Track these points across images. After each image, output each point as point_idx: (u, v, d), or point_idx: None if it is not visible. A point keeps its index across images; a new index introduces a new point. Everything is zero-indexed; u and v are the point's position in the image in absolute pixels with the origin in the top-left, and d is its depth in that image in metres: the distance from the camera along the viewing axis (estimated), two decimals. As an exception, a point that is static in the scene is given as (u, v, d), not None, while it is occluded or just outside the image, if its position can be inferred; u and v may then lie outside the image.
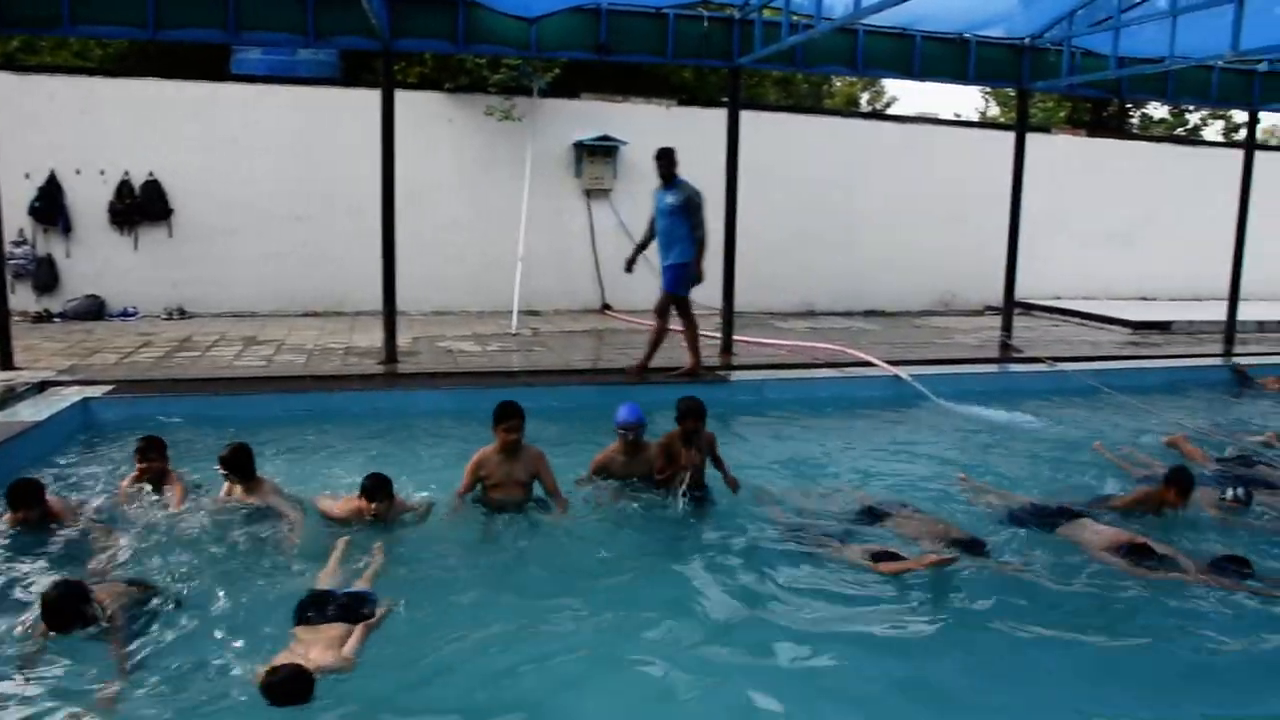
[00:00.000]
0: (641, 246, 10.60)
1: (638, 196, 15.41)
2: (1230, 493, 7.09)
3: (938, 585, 5.69)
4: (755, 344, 12.61)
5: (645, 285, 15.18)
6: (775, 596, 5.56)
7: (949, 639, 5.16)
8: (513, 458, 6.53)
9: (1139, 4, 11.31)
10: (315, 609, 4.82)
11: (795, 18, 10.52)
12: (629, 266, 10.82)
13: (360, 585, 5.26)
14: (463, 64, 14.78)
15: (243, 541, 5.91)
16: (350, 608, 4.86)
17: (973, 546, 6.09)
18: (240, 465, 6.29)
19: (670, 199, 10.14)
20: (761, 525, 6.59)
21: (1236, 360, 13.16)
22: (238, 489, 6.29)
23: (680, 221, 10.09)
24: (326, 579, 5.37)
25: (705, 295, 14.44)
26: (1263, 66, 13.88)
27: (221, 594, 5.17)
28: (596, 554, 6.05)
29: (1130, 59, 12.16)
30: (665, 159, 10.22)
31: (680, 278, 10.28)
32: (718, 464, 7.08)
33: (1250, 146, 14.60)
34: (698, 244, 10.13)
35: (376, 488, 6.08)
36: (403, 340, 11.48)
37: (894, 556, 5.81)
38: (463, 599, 5.37)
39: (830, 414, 10.24)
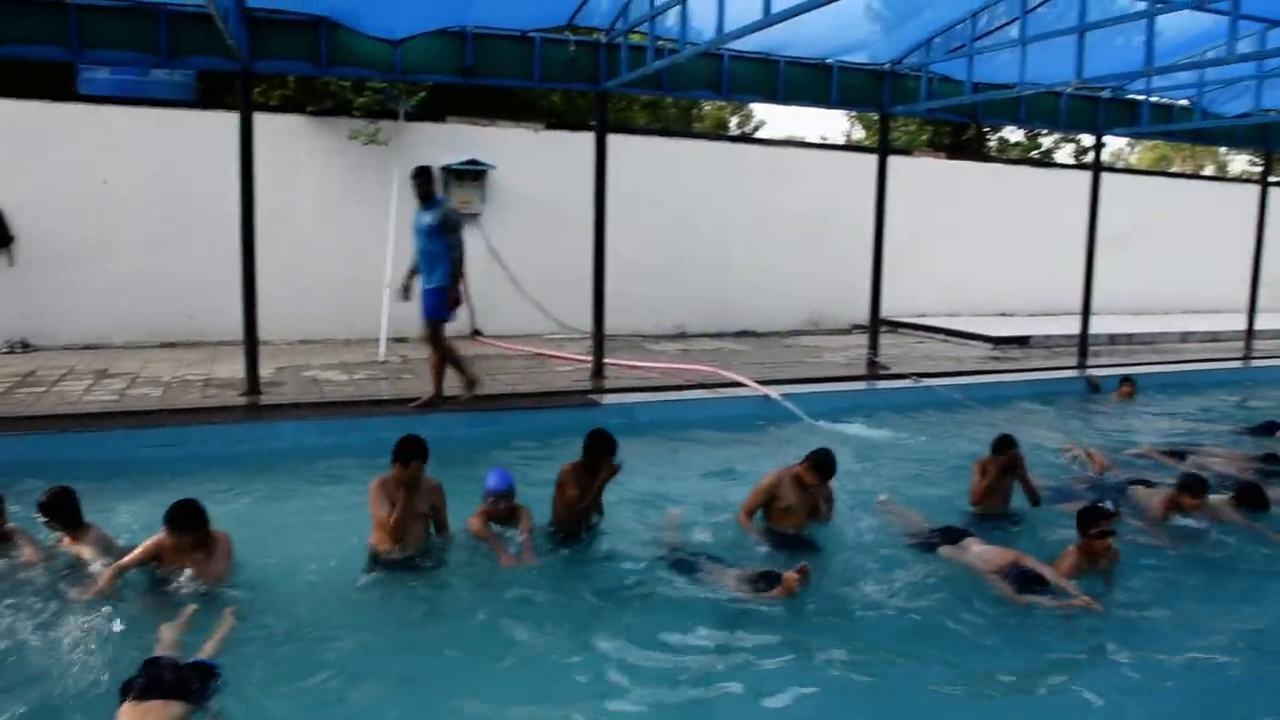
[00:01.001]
0: (414, 271, 10.14)
1: (508, 221, 15.34)
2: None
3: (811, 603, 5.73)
4: (627, 367, 12.60)
5: (518, 310, 15.17)
6: (670, 633, 5.48)
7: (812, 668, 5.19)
8: (412, 491, 6.26)
9: (991, 33, 11.73)
10: (146, 683, 4.21)
11: (661, 42, 10.59)
12: (404, 294, 10.29)
13: (205, 653, 4.76)
14: (326, 86, 14.46)
15: (56, 598, 5.40)
16: (186, 681, 4.28)
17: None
18: (62, 511, 5.84)
19: (428, 219, 9.76)
20: (653, 555, 6.54)
21: (1090, 372, 13.71)
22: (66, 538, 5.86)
23: (439, 242, 9.71)
24: (164, 647, 4.78)
25: (576, 318, 14.51)
26: (1106, 94, 14.56)
27: (32, 664, 4.68)
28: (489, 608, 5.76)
29: (984, 85, 12.58)
30: (422, 178, 9.83)
31: (441, 303, 9.91)
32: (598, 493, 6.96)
33: (1097, 168, 15.26)
34: (454, 265, 9.76)
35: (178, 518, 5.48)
36: (266, 370, 11.12)
37: (774, 578, 5.82)
38: (331, 672, 4.91)
39: (702, 435, 10.26)
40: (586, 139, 12.47)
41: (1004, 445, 7.62)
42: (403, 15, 10.17)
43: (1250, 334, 17.30)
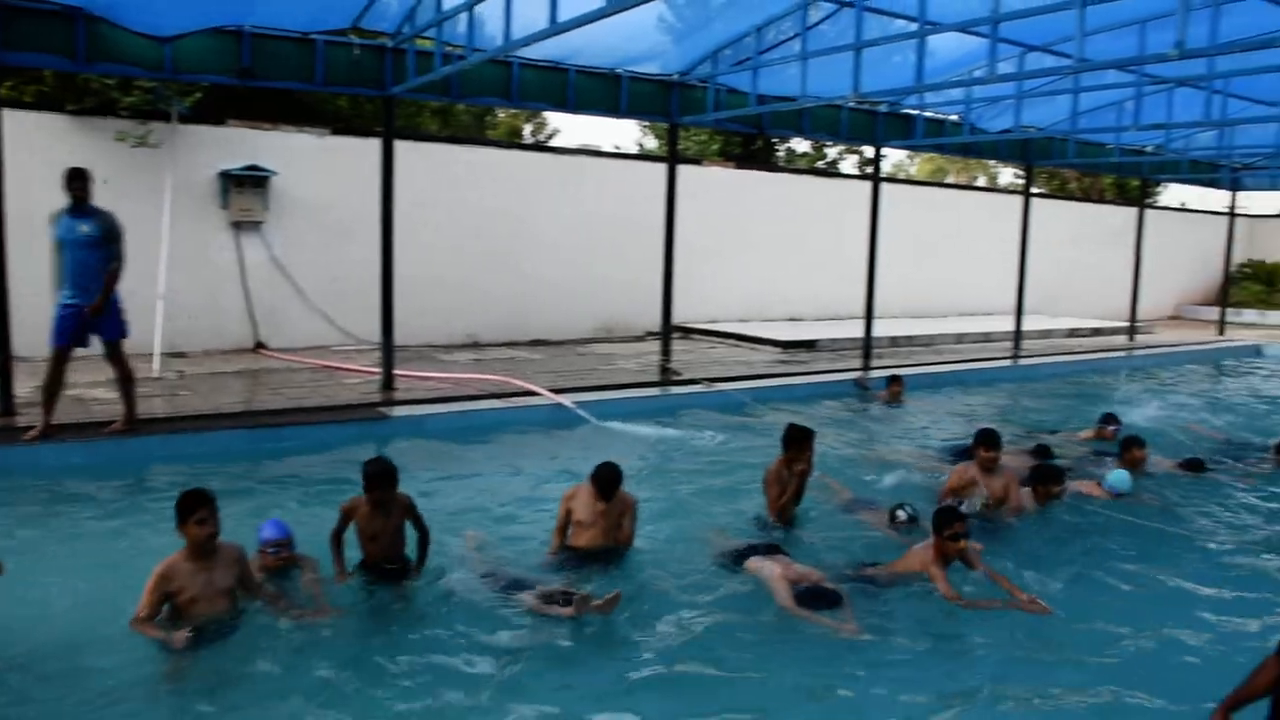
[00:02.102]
0: (63, 286, 8.93)
1: (292, 229, 14.78)
2: (902, 513, 7.60)
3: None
4: (418, 378, 12.33)
5: (304, 321, 14.65)
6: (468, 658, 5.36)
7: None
8: (208, 560, 5.37)
9: (775, 47, 12.10)
10: None
11: (449, 48, 10.43)
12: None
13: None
14: (88, 83, 13.55)
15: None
16: None
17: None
18: None
19: (86, 228, 8.65)
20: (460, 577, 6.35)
21: (860, 374, 14.30)
22: None
23: (99, 253, 8.70)
24: None
25: (363, 329, 14.12)
26: (883, 108, 15.27)
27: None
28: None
29: (769, 97, 12.97)
30: (79, 181, 8.70)
31: (119, 318, 9.01)
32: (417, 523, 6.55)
33: (876, 179, 15.99)
34: (111, 277, 8.77)
35: None
36: (23, 390, 10.31)
37: (567, 597, 5.77)
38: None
39: (496, 446, 10.17)
40: (374, 145, 12.15)
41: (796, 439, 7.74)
42: (171, 11, 9.65)
43: (1018, 334, 18.48)
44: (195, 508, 5.29)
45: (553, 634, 5.61)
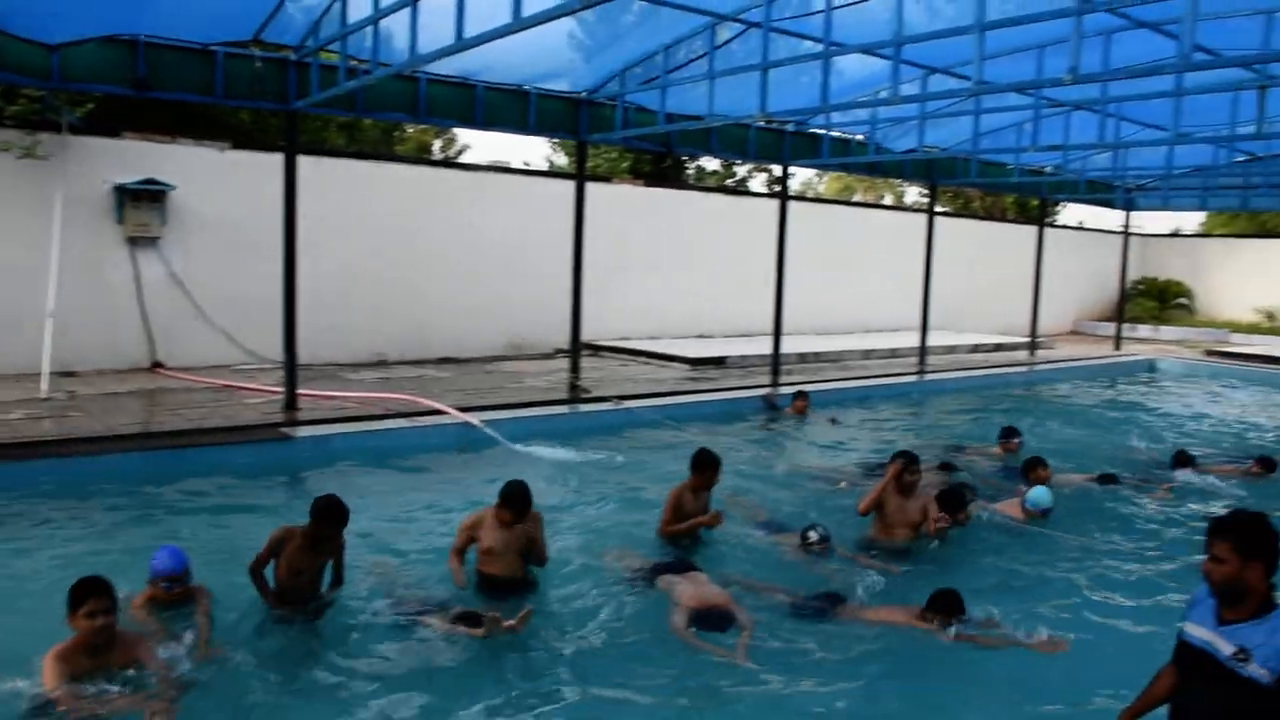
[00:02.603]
0: None
1: (192, 245, 14.39)
2: (814, 534, 7.58)
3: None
4: (323, 397, 12.06)
5: (205, 339, 14.24)
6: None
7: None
8: (103, 655, 4.85)
9: (683, 66, 12.14)
10: None
11: (354, 62, 10.25)
12: None
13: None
14: (-33, 92, 13.02)
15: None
16: None
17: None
18: None
19: None
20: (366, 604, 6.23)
21: (769, 391, 14.39)
22: None
23: None
24: None
25: (266, 347, 13.76)
26: (791, 127, 15.43)
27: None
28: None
29: (678, 115, 13.01)
30: None
31: None
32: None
33: (784, 197, 16.14)
34: None
35: None
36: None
37: (476, 618, 5.68)
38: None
39: (402, 466, 10.00)
40: (277, 160, 11.85)
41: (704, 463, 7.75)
42: (59, 17, 9.29)
43: (923, 350, 18.79)
44: (84, 598, 4.69)
45: (462, 655, 5.52)
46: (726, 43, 11.67)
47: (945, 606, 6.03)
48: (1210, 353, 24.33)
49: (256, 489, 8.97)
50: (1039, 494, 8.72)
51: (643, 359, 17.49)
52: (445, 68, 11.24)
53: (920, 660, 5.85)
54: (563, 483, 9.62)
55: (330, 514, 5.89)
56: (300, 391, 11.55)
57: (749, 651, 5.74)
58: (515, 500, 6.47)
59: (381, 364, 15.88)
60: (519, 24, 7.16)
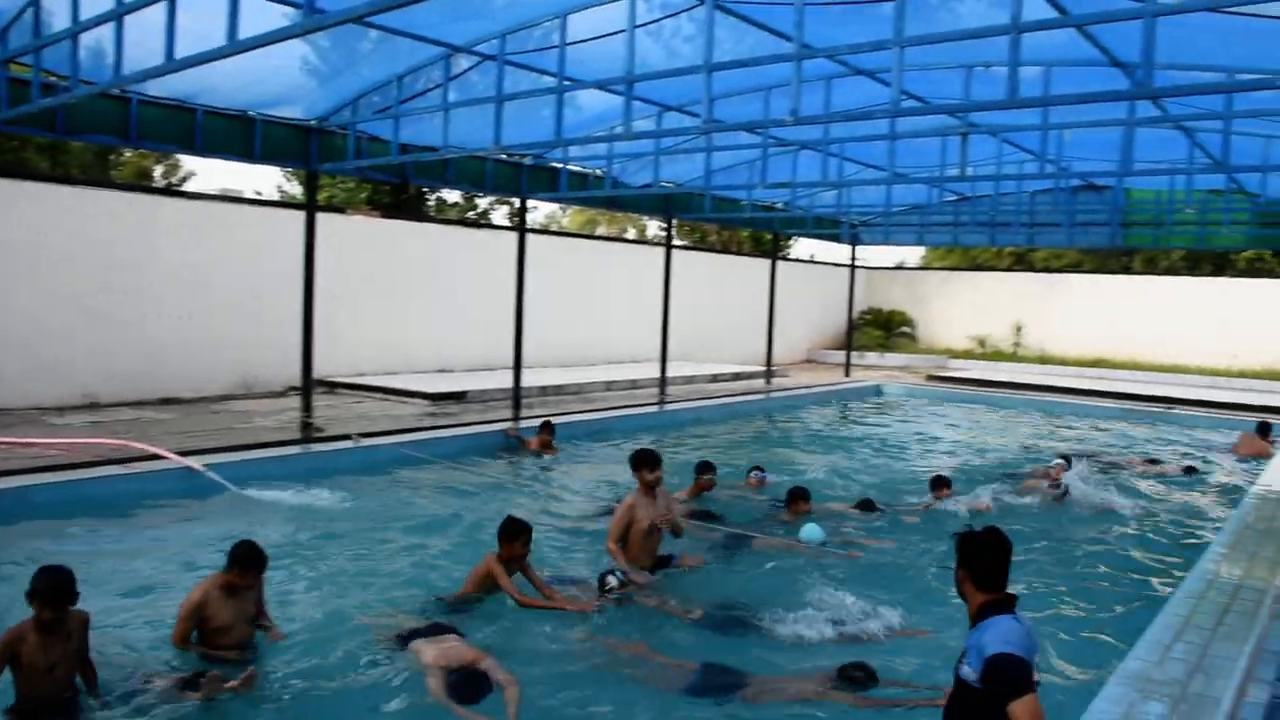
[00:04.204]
0: None
1: None
2: (612, 579, 7.34)
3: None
4: (20, 445, 10.96)
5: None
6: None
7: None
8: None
9: (417, 96, 11.87)
10: None
11: (52, 78, 9.42)
12: None
13: None
14: None
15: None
16: None
17: None
18: None
19: None
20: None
21: (510, 425, 14.24)
22: None
23: None
24: None
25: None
26: (529, 161, 15.41)
27: None
28: None
29: (412, 146, 12.73)
30: None
31: None
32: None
33: (522, 230, 16.08)
34: None
35: None
36: None
37: (196, 681, 5.29)
38: None
39: (115, 518, 9.16)
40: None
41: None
42: None
43: (663, 381, 19.12)
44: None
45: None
46: (461, 74, 11.52)
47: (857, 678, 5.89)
48: (931, 377, 26.15)
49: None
50: (809, 530, 9.13)
51: (380, 395, 16.95)
52: (160, 88, 10.56)
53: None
54: (296, 532, 9.09)
55: (50, 592, 5.00)
56: (-9, 439, 10.45)
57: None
58: (246, 560, 5.94)
59: (92, 406, 14.59)
60: (234, 47, 6.74)
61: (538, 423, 13.73)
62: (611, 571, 7.41)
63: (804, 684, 6.00)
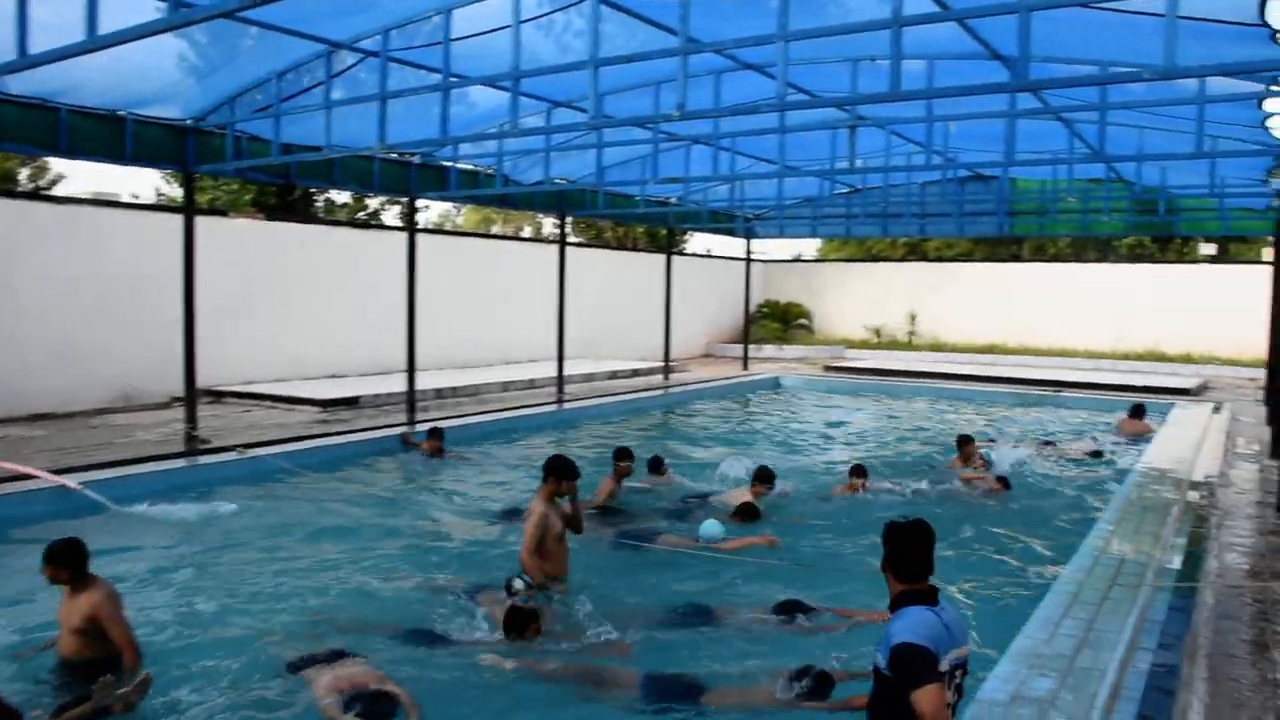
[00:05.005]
0: None
1: None
2: (518, 582, 7.08)
3: None
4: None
5: None
6: None
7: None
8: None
9: (299, 94, 11.50)
10: None
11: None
12: None
13: None
14: None
15: None
16: None
17: None
18: None
19: None
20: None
21: (405, 429, 13.94)
22: None
23: None
24: None
25: None
26: (417, 159, 15.08)
27: None
28: None
29: (295, 146, 12.34)
30: None
31: None
32: None
33: (411, 230, 15.73)
34: None
35: None
36: None
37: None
38: None
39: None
40: None
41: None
42: None
43: (561, 380, 18.93)
44: None
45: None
46: (344, 71, 11.22)
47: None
48: (828, 368, 26.48)
49: None
50: (708, 529, 9.09)
51: (269, 403, 16.44)
52: (17, 85, 10.01)
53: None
54: (185, 551, 8.74)
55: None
56: None
57: None
58: (57, 558, 5.79)
59: (-44, 424, 13.84)
60: (94, 42, 6.39)
61: (430, 427, 13.46)
62: (519, 575, 7.18)
63: (755, 693, 5.81)
